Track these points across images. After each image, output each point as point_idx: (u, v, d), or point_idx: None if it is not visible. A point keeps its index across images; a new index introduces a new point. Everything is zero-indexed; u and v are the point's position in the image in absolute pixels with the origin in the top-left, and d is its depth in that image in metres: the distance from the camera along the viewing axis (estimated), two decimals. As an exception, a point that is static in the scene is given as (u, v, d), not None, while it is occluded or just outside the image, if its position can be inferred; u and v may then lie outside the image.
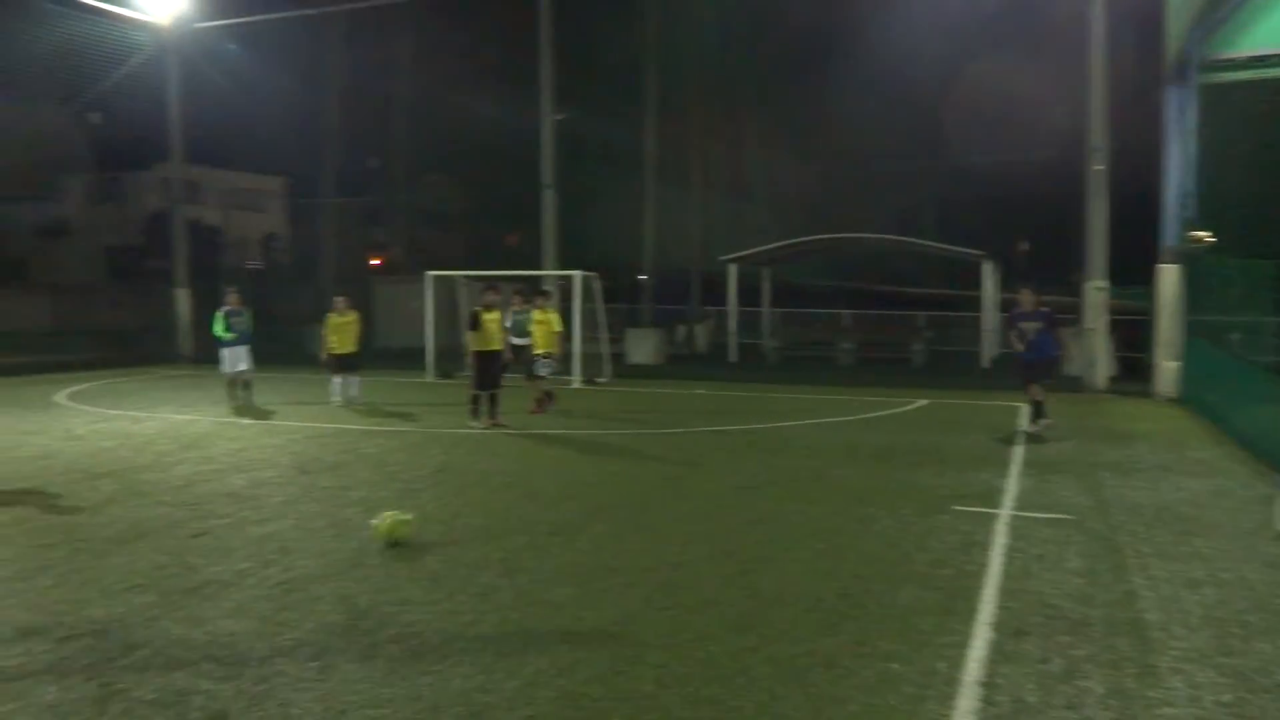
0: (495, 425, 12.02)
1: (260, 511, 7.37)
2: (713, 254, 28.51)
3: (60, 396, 15.89)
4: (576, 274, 18.80)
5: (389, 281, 29.90)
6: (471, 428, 11.94)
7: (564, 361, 19.61)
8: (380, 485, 8.43)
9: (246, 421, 12.75)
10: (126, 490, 8.17)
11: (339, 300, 15.47)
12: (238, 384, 14.74)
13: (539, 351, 13.84)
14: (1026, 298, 11.39)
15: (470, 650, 4.48)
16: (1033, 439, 11.09)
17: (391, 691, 4.02)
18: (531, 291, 15.49)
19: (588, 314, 19.14)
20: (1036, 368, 11.34)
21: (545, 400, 13.97)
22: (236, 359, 14.62)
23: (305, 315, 30.21)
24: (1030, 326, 11.25)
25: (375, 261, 42.72)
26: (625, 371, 20.31)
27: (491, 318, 12.28)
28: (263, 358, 15.50)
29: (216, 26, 25.09)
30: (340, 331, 15.00)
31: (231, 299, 14.97)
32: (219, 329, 14.75)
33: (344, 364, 15.02)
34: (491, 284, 13.49)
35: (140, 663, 4.32)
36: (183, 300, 25.23)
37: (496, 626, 4.81)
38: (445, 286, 21.32)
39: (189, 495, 7.98)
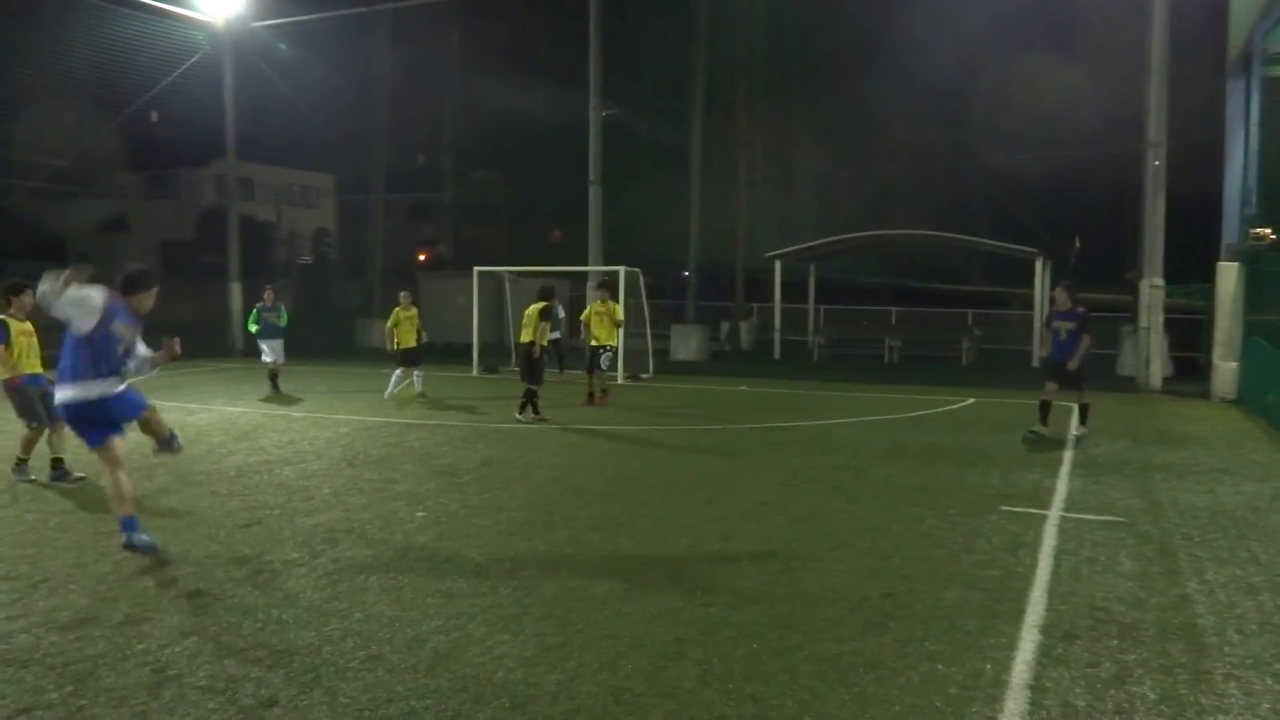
0: (541, 421, 12.27)
1: (309, 503, 7.50)
2: (757, 250, 28.40)
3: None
4: (621, 269, 18.84)
5: (436, 277, 30.20)
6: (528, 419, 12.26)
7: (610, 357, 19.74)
8: (425, 479, 8.53)
9: (296, 414, 12.97)
10: (180, 480, 8.35)
11: (403, 295, 15.81)
12: (269, 375, 15.56)
13: (599, 344, 14.05)
14: (1062, 297, 11.05)
15: (514, 643, 4.52)
16: (1079, 441, 10.84)
17: (436, 682, 4.07)
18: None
19: (632, 310, 19.17)
20: (1061, 370, 10.91)
21: (601, 395, 14.23)
22: (270, 351, 15.53)
23: (355, 309, 30.71)
24: (1064, 326, 10.86)
25: (422, 257, 43.20)
26: (669, 368, 20.32)
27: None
28: (315, 351, 15.86)
29: (270, 26, 25.55)
30: (402, 326, 15.32)
31: (267, 295, 15.75)
32: (249, 323, 15.83)
33: (406, 358, 15.29)
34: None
35: (192, 649, 4.42)
36: (236, 294, 25.75)
37: (540, 619, 4.84)
38: (491, 282, 21.50)
39: (240, 485, 8.14)
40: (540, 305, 12.32)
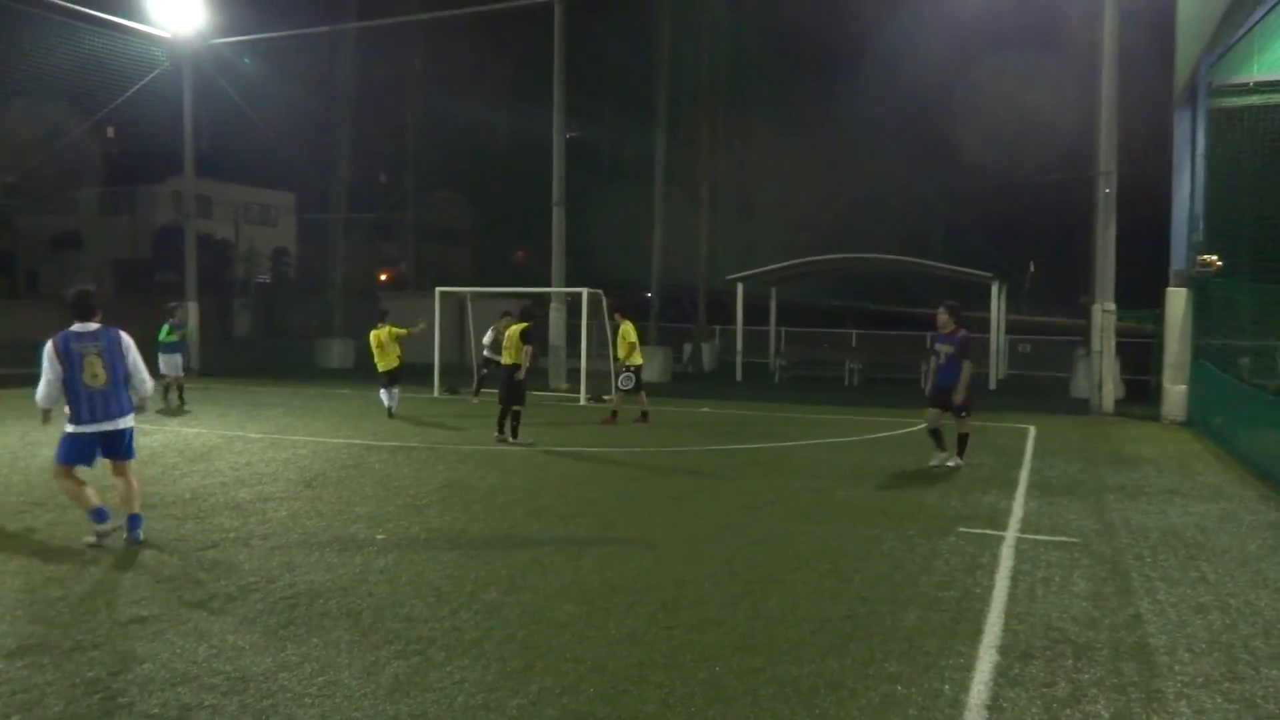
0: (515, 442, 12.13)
1: (265, 525, 7.39)
2: (720, 272, 28.56)
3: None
4: (584, 291, 18.85)
5: (397, 296, 30.01)
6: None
7: (572, 378, 19.70)
8: (386, 500, 8.44)
9: (254, 435, 12.78)
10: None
11: (383, 315, 16.46)
12: (171, 387, 16.04)
13: (630, 362, 14.41)
14: (943, 318, 10.37)
15: (474, 667, 4.48)
16: (948, 471, 10.24)
17: (396, 708, 4.02)
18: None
19: (595, 331, 19.17)
20: (945, 394, 10.30)
21: (611, 417, 14.61)
22: (171, 364, 16.02)
23: (315, 329, 30.36)
24: (944, 349, 10.31)
25: (384, 276, 42.91)
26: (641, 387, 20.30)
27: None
28: (276, 371, 15.71)
29: (230, 42, 25.35)
30: (382, 346, 15.69)
31: (178, 313, 16.78)
32: (162, 334, 16.19)
33: (389, 377, 15.76)
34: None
35: (145, 676, 4.33)
36: (193, 313, 25.34)
37: (501, 643, 4.81)
38: (453, 302, 21.39)
39: (195, 508, 8.00)
40: (522, 326, 12.22)
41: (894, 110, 33.41)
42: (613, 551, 6.73)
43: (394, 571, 6.11)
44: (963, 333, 10.27)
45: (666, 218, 28.29)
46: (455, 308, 22.14)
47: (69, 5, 22.15)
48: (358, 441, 12.34)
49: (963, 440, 10.45)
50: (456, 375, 20.63)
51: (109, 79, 23.56)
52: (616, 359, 14.75)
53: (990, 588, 5.92)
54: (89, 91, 23.66)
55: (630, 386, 14.55)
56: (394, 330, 15.68)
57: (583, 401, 18.04)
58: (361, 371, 26.02)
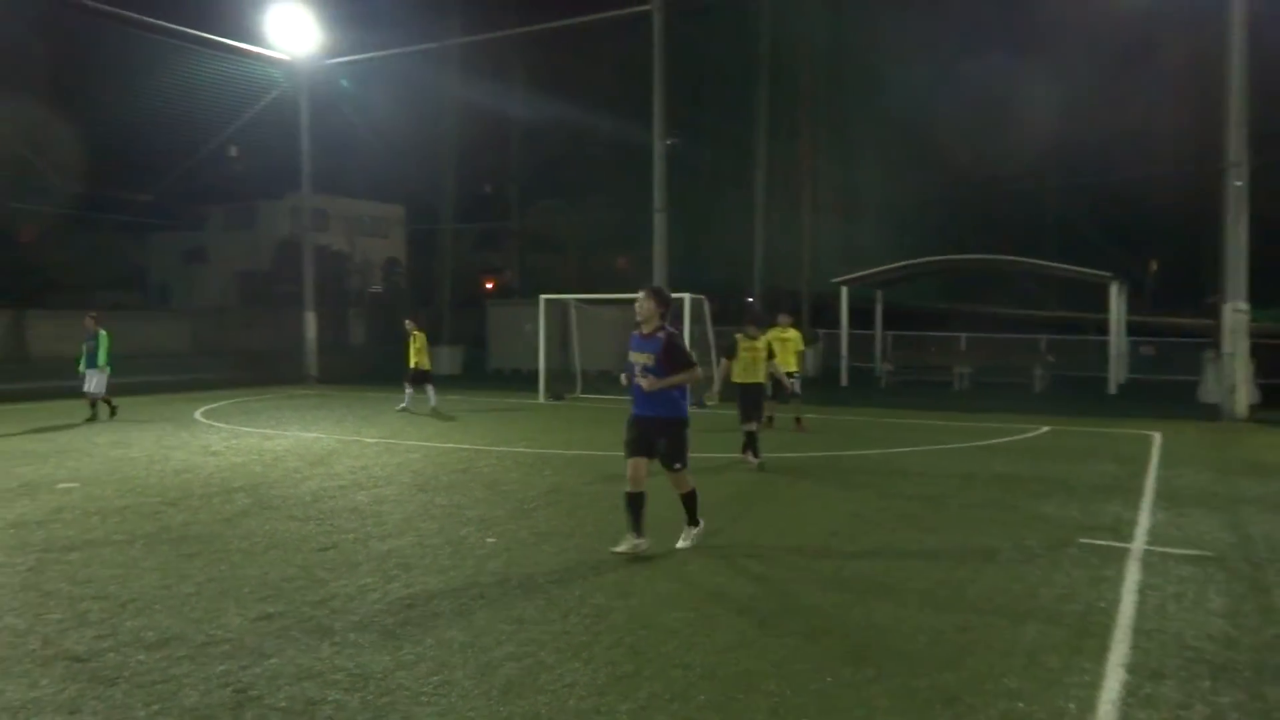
0: (745, 460, 10.95)
1: (382, 527, 7.63)
2: (822, 275, 28.19)
3: (198, 414, 16.82)
4: (686, 296, 18.86)
5: (502, 304, 30.63)
6: (748, 463, 10.91)
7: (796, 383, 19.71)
8: (495, 504, 8.61)
9: (369, 440, 13.22)
10: (259, 504, 8.57)
11: (410, 322, 17.57)
12: (92, 402, 15.68)
13: (786, 370, 13.72)
14: (644, 307, 6.78)
15: (585, 671, 4.52)
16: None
17: (509, 709, 4.09)
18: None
19: (697, 337, 19.16)
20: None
21: (798, 423, 14.29)
22: (87, 380, 15.54)
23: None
24: (639, 359, 6.75)
25: (489, 285, 43.87)
26: (733, 394, 20.20)
27: (748, 346, 11.07)
28: (382, 377, 16.30)
29: (343, 62, 26.35)
30: (417, 348, 17.12)
31: (87, 322, 15.78)
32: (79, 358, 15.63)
33: (420, 377, 17.05)
34: (754, 314, 12.51)
35: (272, 671, 4.51)
36: (311, 323, 26.42)
37: (610, 648, 4.84)
38: (557, 309, 21.69)
39: (316, 510, 8.32)
40: (760, 342, 11.15)
41: (1005, 104, 32.35)
42: (719, 558, 6.70)
43: (504, 574, 6.22)
44: (666, 330, 6.74)
45: (768, 221, 28.09)
46: (559, 315, 22.45)
47: (197, 33, 23.43)
48: (467, 446, 12.63)
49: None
50: (561, 381, 20.92)
51: (232, 101, 24.85)
52: (786, 368, 13.69)
53: (1116, 602, 5.66)
54: (214, 113, 24.98)
55: (791, 392, 14.08)
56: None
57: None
58: (470, 377, 26.68)
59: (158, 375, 22.93)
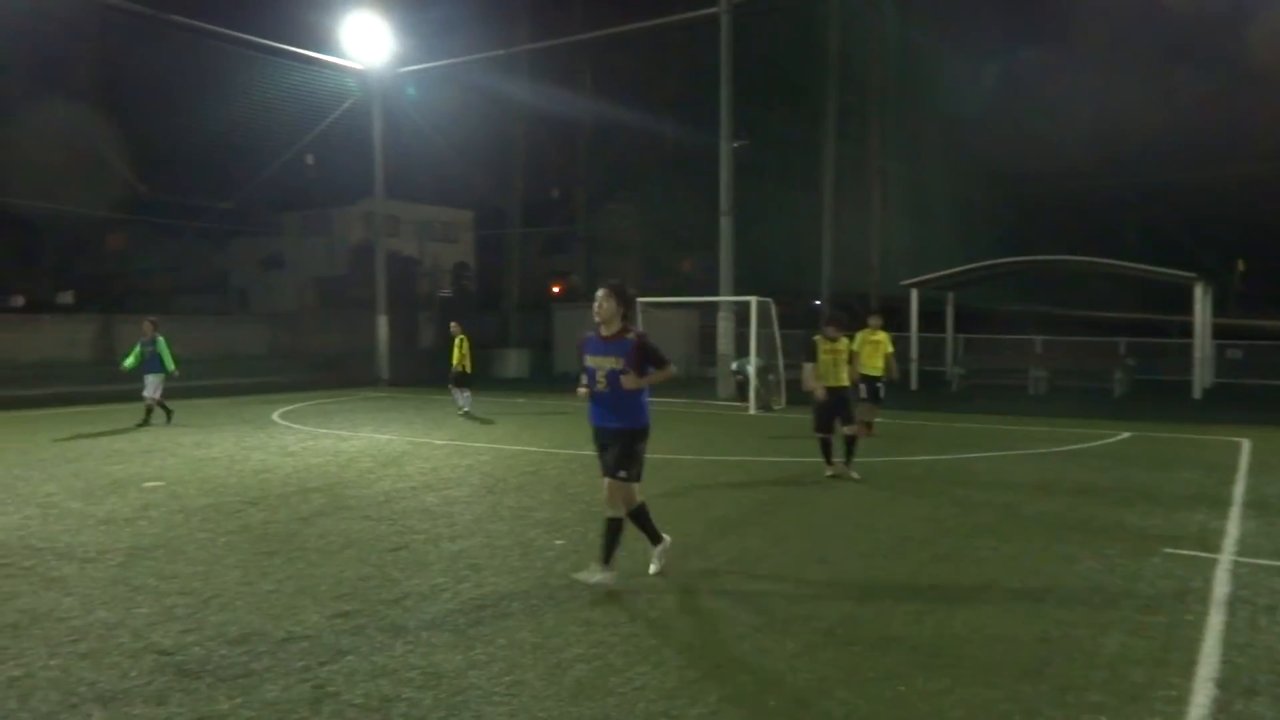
0: (836, 474, 10.20)
1: (453, 528, 7.74)
2: (891, 277, 27.78)
3: (276, 415, 17.29)
4: (753, 299, 18.77)
5: (569, 308, 30.85)
6: (832, 473, 10.23)
7: (740, 388, 19.63)
8: (562, 506, 8.67)
9: (439, 442, 13.43)
10: (334, 504, 8.77)
11: (455, 325, 17.54)
12: (149, 408, 15.47)
13: (873, 374, 13.17)
14: (604, 308, 6.00)
15: (654, 674, 4.52)
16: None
17: (579, 710, 4.11)
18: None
19: (764, 340, 19.05)
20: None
21: (867, 427, 13.32)
22: (146, 386, 15.39)
23: (492, 340, 31.68)
24: (602, 364, 5.97)
25: (556, 289, 44.25)
26: (802, 398, 20.04)
27: (829, 348, 10.25)
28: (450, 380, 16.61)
29: (416, 70, 26.85)
30: (462, 352, 17.20)
31: (145, 326, 15.63)
32: (127, 359, 15.51)
33: (463, 380, 17.24)
34: (834, 315, 10.96)
35: (349, 668, 4.61)
36: (383, 326, 26.95)
37: (679, 651, 4.83)
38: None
39: (389, 510, 8.48)
40: (841, 344, 10.36)
41: (1079, 102, 31.53)
42: (788, 563, 6.64)
43: (570, 577, 6.25)
44: (633, 333, 6.01)
45: (836, 223, 27.79)
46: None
47: (276, 45, 24.12)
48: (535, 449, 12.74)
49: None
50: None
51: (309, 110, 25.54)
52: (873, 371, 13.14)
53: (1204, 614, 5.45)
54: (292, 122, 25.69)
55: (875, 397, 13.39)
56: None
57: (752, 411, 17.94)
58: (537, 380, 26.94)
59: (236, 378, 23.66)
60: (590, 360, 6.04)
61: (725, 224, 21.62)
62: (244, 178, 29.58)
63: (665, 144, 36.73)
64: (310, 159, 33.05)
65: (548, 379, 27.50)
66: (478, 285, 43.12)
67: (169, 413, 15.65)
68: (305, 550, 6.98)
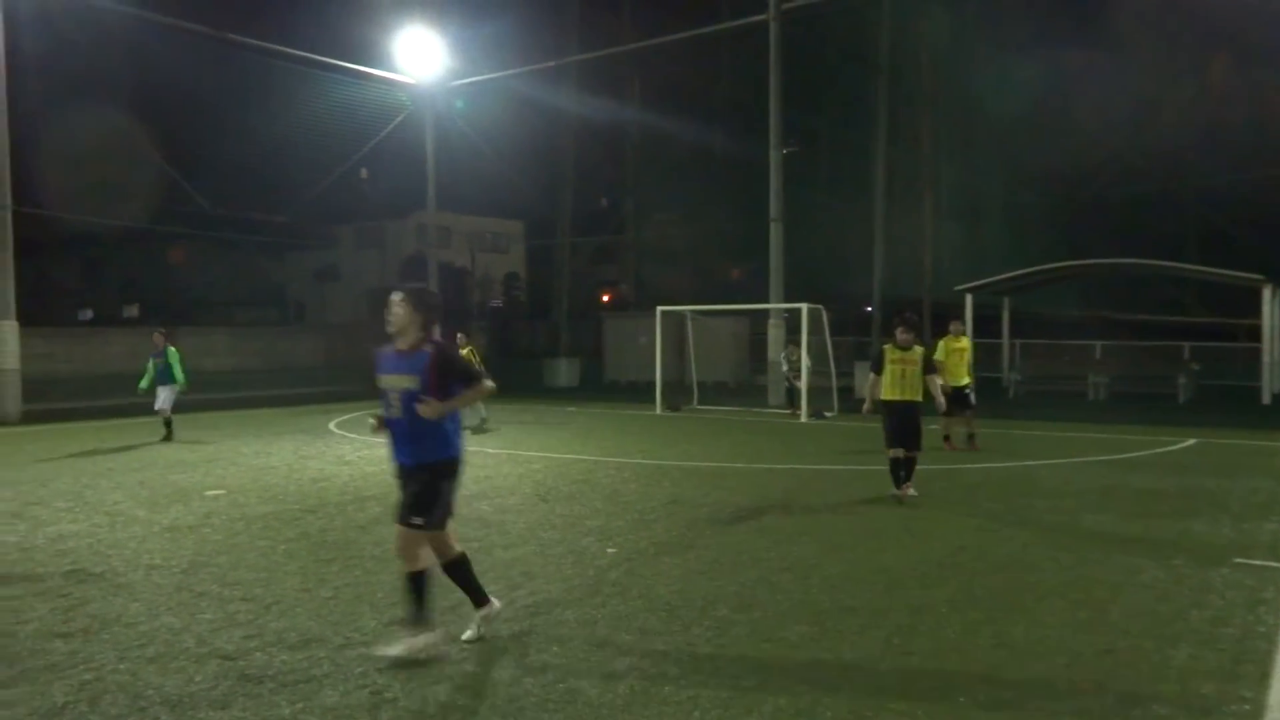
0: (899, 497, 9.25)
1: (506, 537, 7.79)
2: (945, 283, 27.40)
3: (332, 425, 17.57)
4: (803, 306, 18.65)
5: (619, 317, 30.95)
6: (895, 494, 9.32)
7: (790, 395, 19.51)
8: (615, 515, 8.68)
9: (490, 450, 13.54)
10: (389, 512, 8.82)
11: (460, 335, 16.68)
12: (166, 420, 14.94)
13: (961, 383, 12.81)
14: (397, 316, 5.07)
15: (709, 684, 4.50)
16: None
17: None
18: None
19: (815, 346, 18.91)
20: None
21: (971, 440, 13.07)
22: (157, 398, 14.91)
23: (543, 348, 31.91)
24: (395, 384, 5.00)
25: (605, 298, 44.43)
26: (854, 405, 19.85)
27: (899, 358, 9.27)
28: (501, 389, 16.61)
29: (467, 83, 27.20)
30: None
31: (155, 338, 15.13)
32: (144, 380, 14.95)
33: None
34: (905, 319, 9.60)
35: (406, 674, 4.64)
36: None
37: (734, 661, 4.80)
38: (673, 321, 21.76)
39: (443, 518, 8.55)
40: (914, 353, 9.37)
41: (1137, 102, 30.83)
42: (842, 572, 6.57)
43: (625, 585, 6.26)
44: (434, 343, 5.10)
45: (888, 229, 27.51)
46: (675, 326, 22.53)
47: (331, 60, 24.63)
48: (586, 457, 12.78)
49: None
50: (677, 393, 20.97)
51: (363, 124, 26.02)
52: (958, 380, 12.75)
53: (1276, 626, 5.28)
54: (346, 136, 26.21)
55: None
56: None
57: (803, 419, 17.82)
58: (587, 388, 27.04)
59: (294, 388, 24.12)
60: (383, 381, 4.99)
61: (775, 231, 21.53)
62: (300, 192, 30.22)
63: (714, 152, 36.73)
64: (364, 172, 33.67)
65: (598, 387, 27.60)
66: (528, 295, 43.50)
67: (169, 428, 14.95)
68: (362, 558, 7.08)
